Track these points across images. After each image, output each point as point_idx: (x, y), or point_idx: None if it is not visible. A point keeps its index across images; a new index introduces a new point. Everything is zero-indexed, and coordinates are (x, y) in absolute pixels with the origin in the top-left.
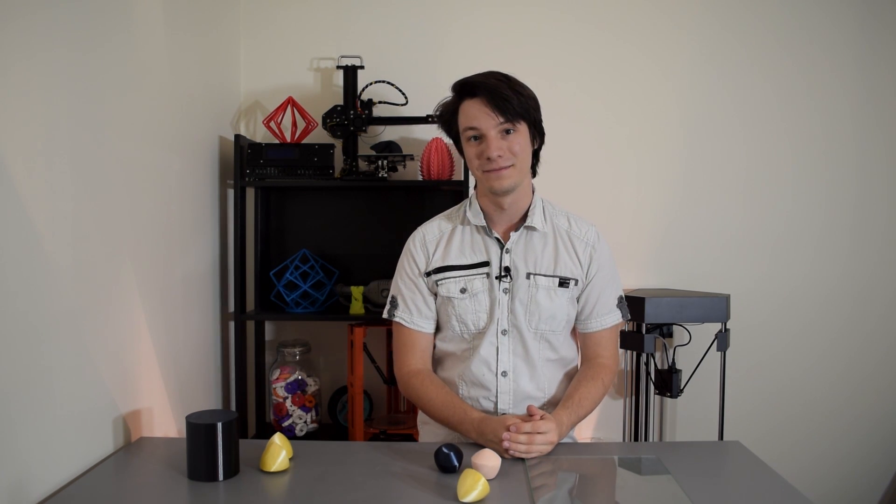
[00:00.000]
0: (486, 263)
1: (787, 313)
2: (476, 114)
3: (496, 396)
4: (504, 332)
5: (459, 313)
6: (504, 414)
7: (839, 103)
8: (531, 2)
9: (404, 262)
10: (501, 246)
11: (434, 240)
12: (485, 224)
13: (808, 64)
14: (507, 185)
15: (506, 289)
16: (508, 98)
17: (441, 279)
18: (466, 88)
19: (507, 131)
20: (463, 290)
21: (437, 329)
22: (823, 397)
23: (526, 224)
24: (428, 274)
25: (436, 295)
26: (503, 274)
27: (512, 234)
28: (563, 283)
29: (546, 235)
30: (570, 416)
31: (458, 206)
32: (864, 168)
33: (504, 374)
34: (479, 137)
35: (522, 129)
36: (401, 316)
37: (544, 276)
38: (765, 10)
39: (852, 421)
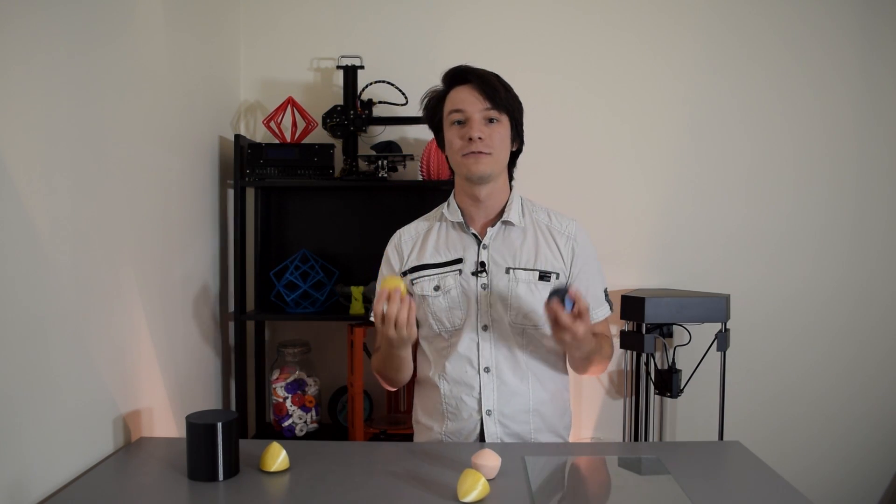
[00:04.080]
0: (458, 261)
1: (787, 313)
2: (464, 97)
3: (479, 393)
4: (485, 328)
5: (434, 311)
6: (489, 412)
7: (841, 105)
8: (531, 2)
9: (382, 265)
10: (478, 242)
11: (410, 240)
12: (461, 220)
13: (811, 64)
14: (483, 170)
15: (483, 284)
16: (497, 88)
17: (416, 278)
18: (458, 76)
19: (491, 120)
20: (436, 288)
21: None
22: (824, 397)
23: (503, 219)
24: (404, 274)
25: (411, 295)
26: (479, 269)
27: (489, 229)
28: (544, 276)
29: (525, 230)
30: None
31: (438, 206)
32: (866, 169)
33: (486, 369)
34: (463, 122)
35: (504, 124)
36: None
37: (524, 269)
38: (767, 8)
39: (853, 421)
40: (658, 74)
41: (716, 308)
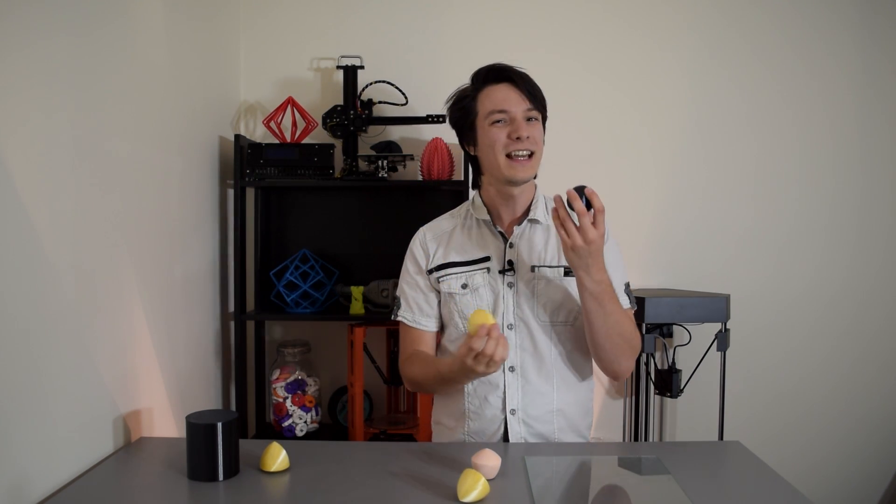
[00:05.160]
0: (486, 259)
1: (787, 313)
2: (505, 97)
3: (504, 392)
4: (510, 327)
5: (461, 309)
6: (513, 411)
7: (844, 104)
8: (531, 2)
9: (406, 262)
10: (505, 240)
11: (435, 238)
12: (489, 218)
13: (815, 64)
14: (527, 175)
15: (510, 283)
16: (534, 86)
17: (442, 276)
18: (493, 73)
19: (530, 119)
20: (464, 286)
21: (442, 329)
22: (825, 399)
23: (529, 217)
24: (430, 272)
25: (438, 293)
26: (507, 268)
27: (515, 228)
28: (569, 272)
29: (549, 228)
30: (609, 288)
31: (462, 204)
32: (869, 170)
33: (511, 369)
34: (506, 121)
35: (540, 122)
36: (403, 315)
37: (549, 266)
38: (769, 6)
39: (853, 422)
40: (660, 73)
41: (716, 308)
